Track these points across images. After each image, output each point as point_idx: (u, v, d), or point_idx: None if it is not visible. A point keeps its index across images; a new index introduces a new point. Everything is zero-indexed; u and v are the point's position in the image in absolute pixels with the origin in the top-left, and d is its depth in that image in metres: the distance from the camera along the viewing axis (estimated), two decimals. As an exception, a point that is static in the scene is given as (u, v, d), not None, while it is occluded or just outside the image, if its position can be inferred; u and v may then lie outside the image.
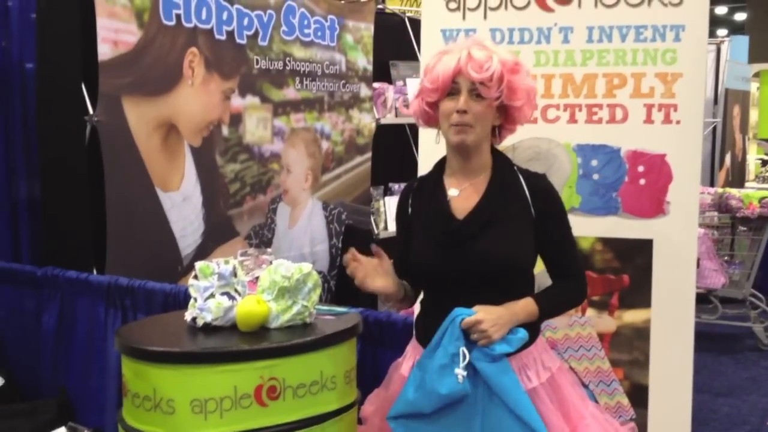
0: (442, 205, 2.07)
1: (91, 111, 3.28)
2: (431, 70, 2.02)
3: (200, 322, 2.22)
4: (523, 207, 2.04)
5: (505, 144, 2.32)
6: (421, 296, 2.21)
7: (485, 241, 2.00)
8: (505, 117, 2.07)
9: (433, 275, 2.10)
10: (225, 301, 2.21)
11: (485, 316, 1.92)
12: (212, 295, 2.23)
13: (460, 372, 1.90)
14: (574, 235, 2.13)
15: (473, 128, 1.99)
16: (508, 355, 1.96)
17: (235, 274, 2.28)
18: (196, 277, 2.27)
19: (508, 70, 1.97)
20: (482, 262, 2.00)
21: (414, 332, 2.21)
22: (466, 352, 1.91)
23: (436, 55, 2.05)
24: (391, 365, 2.30)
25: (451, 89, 1.99)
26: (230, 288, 2.26)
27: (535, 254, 2.08)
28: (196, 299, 2.24)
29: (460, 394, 1.92)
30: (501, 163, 2.10)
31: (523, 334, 1.97)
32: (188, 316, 2.26)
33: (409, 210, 2.18)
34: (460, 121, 1.98)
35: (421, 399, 1.96)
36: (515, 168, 2.11)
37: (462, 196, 2.07)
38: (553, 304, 2.10)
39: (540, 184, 2.09)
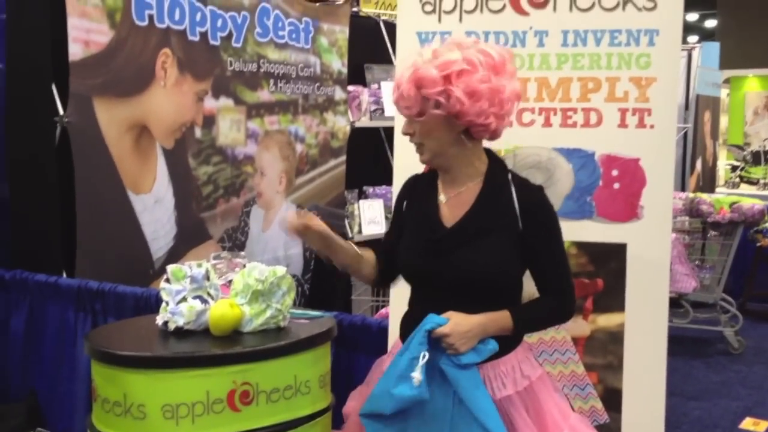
0: (431, 210, 2.08)
1: (61, 112, 3.23)
2: None
3: (172, 326, 2.18)
4: (511, 219, 2.01)
5: (507, 147, 2.31)
6: (409, 295, 2.19)
7: (468, 253, 2.00)
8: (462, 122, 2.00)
9: (416, 278, 2.12)
10: (197, 305, 2.18)
11: (454, 329, 1.92)
12: (184, 299, 2.19)
13: (416, 375, 1.89)
14: (565, 251, 2.11)
15: (423, 146, 2.02)
16: (480, 363, 1.97)
17: (207, 278, 2.25)
18: (167, 280, 2.24)
19: (419, 86, 1.92)
20: (463, 273, 2.00)
21: (399, 330, 2.20)
22: (426, 354, 1.91)
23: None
24: (375, 362, 2.28)
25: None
26: (203, 291, 2.23)
27: (520, 267, 2.06)
28: (167, 303, 2.21)
29: (415, 398, 1.91)
30: (495, 171, 2.07)
31: (493, 345, 1.97)
32: (160, 320, 2.22)
33: (404, 206, 2.20)
34: (411, 142, 2.04)
35: (381, 397, 1.96)
36: (509, 177, 2.07)
37: (451, 203, 2.07)
38: (530, 321, 2.08)
39: (531, 196, 2.05)
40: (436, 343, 1.94)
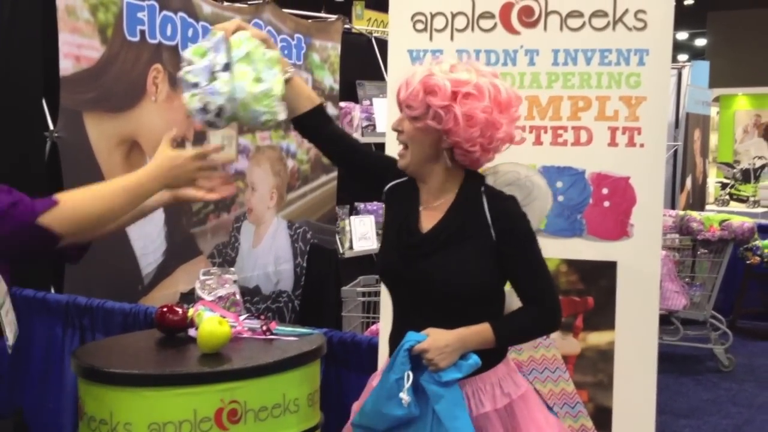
0: (411, 216, 2.08)
1: (51, 127, 3.22)
2: None
3: (213, 107, 1.97)
4: (483, 229, 2.01)
5: (488, 166, 2.31)
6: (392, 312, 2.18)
7: (437, 261, 2.00)
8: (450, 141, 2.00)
9: (392, 285, 2.12)
10: (226, 76, 1.95)
11: (432, 344, 1.91)
12: (214, 74, 1.96)
13: (404, 396, 1.89)
14: (542, 260, 2.07)
15: (407, 150, 2.03)
16: (481, 371, 1.97)
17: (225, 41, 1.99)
18: (189, 64, 2.00)
19: (428, 92, 1.94)
20: (431, 280, 1.99)
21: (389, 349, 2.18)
22: (410, 374, 1.91)
23: None
24: (371, 377, 2.27)
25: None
26: (225, 56, 1.96)
27: (496, 278, 2.05)
28: (197, 84, 1.96)
29: (407, 417, 1.92)
30: (469, 183, 2.08)
31: (474, 360, 1.94)
32: (197, 103, 1.97)
33: (386, 188, 2.18)
34: (397, 139, 2.05)
35: (373, 416, 1.97)
36: (482, 189, 2.07)
37: (427, 213, 2.08)
38: (512, 332, 2.04)
39: (502, 206, 2.05)
40: (417, 361, 1.93)
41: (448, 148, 2.00)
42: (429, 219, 2.06)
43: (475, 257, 2.00)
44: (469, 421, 1.92)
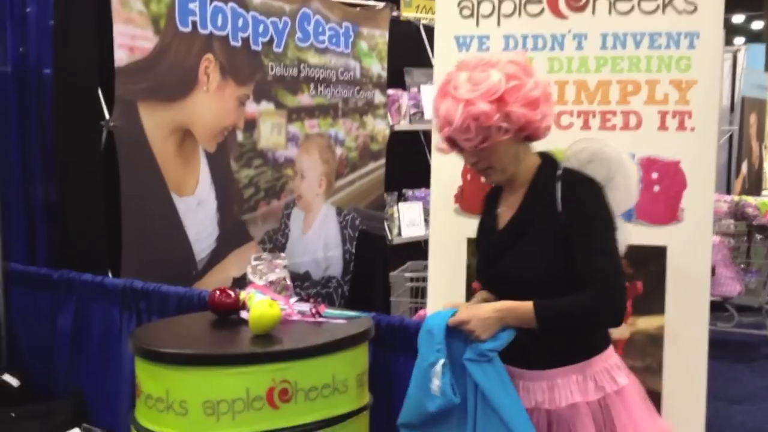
0: (490, 220, 2.13)
1: (107, 116, 3.31)
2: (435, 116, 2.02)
3: None
4: (552, 215, 1.96)
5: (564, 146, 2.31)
6: None
7: (510, 258, 2.01)
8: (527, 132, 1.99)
9: (485, 285, 2.17)
10: None
11: (472, 315, 1.93)
12: None
13: (434, 385, 1.92)
14: (613, 247, 1.96)
15: (492, 168, 2.00)
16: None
17: None
18: None
19: (477, 120, 1.90)
20: (508, 276, 2.01)
21: None
22: (442, 359, 1.92)
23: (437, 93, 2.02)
24: None
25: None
26: None
27: (566, 264, 1.94)
28: None
29: (446, 405, 1.92)
30: (543, 172, 2.03)
31: (509, 332, 1.93)
32: None
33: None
34: (476, 168, 2.02)
35: (415, 410, 1.98)
36: (557, 173, 2.00)
37: (504, 211, 2.10)
38: (556, 315, 1.92)
39: (573, 189, 1.97)
40: (456, 338, 1.95)
41: (524, 136, 1.99)
42: (505, 216, 2.09)
43: (542, 251, 1.96)
44: (518, 397, 1.93)
